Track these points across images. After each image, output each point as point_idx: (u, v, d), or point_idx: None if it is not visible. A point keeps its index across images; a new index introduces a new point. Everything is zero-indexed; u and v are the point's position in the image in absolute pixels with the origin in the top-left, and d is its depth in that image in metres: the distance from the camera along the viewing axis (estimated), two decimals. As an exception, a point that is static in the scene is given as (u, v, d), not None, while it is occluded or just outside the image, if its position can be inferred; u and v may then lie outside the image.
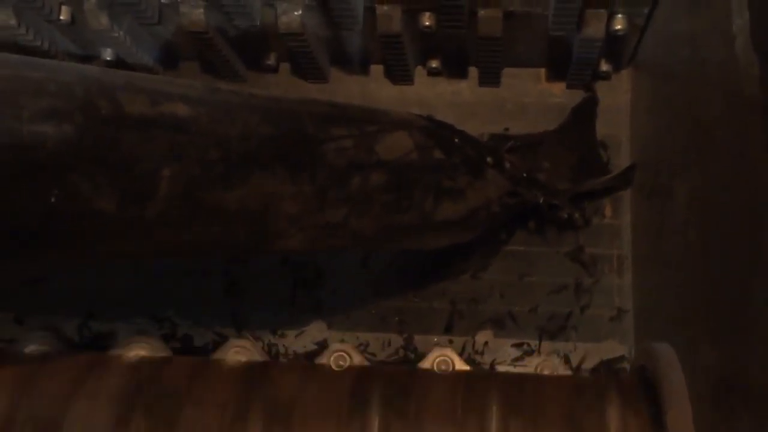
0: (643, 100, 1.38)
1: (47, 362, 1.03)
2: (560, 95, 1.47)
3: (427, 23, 1.33)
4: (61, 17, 1.36)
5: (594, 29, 1.30)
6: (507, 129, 1.46)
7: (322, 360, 1.05)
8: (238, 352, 1.05)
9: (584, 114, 1.45)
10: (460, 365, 1.04)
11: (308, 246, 1.06)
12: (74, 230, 0.82)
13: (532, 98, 1.48)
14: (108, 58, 1.44)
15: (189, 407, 0.96)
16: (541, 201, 1.35)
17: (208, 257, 1.40)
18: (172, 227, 0.89)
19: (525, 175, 1.34)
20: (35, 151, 0.74)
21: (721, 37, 0.90)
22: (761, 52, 0.81)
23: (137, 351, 1.06)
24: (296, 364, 1.08)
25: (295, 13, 1.32)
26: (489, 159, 1.26)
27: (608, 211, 1.42)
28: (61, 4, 1.36)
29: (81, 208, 0.79)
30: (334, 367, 1.03)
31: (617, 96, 1.46)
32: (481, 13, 1.31)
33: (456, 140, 1.22)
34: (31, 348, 1.07)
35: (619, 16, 1.29)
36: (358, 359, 1.05)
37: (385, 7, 1.32)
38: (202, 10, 1.33)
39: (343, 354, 1.05)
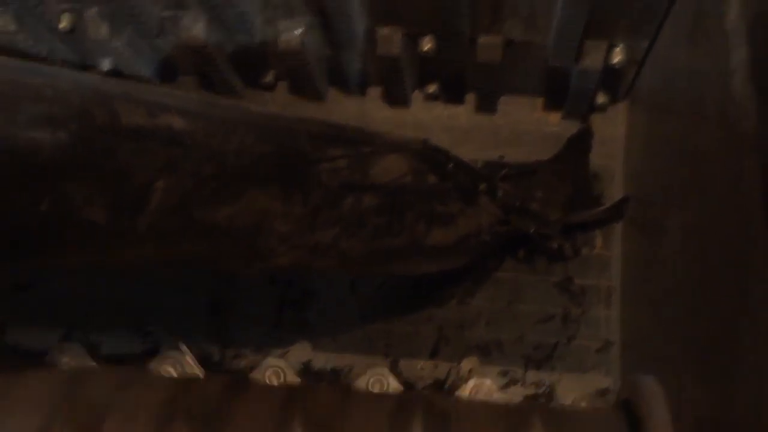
0: (639, 133, 1.38)
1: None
2: (556, 124, 1.48)
3: (427, 47, 1.33)
4: (62, 25, 1.36)
5: (592, 60, 1.31)
6: (502, 156, 1.46)
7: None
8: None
9: (579, 145, 1.45)
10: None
11: (297, 265, 1.05)
12: (64, 238, 0.81)
13: (528, 126, 1.48)
14: (106, 69, 1.44)
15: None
16: (532, 230, 1.34)
17: (197, 270, 1.40)
18: (162, 240, 0.89)
19: (517, 203, 1.34)
20: (29, 156, 0.73)
21: (719, 72, 0.90)
22: (759, 87, 0.81)
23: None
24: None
25: (296, 32, 1.33)
26: (482, 186, 1.26)
27: (599, 243, 1.42)
28: (62, 11, 1.36)
29: (72, 217, 0.78)
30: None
31: (613, 127, 1.46)
32: (482, 39, 1.31)
33: (450, 166, 1.22)
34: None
35: (618, 48, 1.30)
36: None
37: (386, 30, 1.32)
38: (202, 25, 1.33)
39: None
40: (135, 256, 0.91)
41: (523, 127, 1.48)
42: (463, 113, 1.50)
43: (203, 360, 1.36)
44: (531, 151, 1.47)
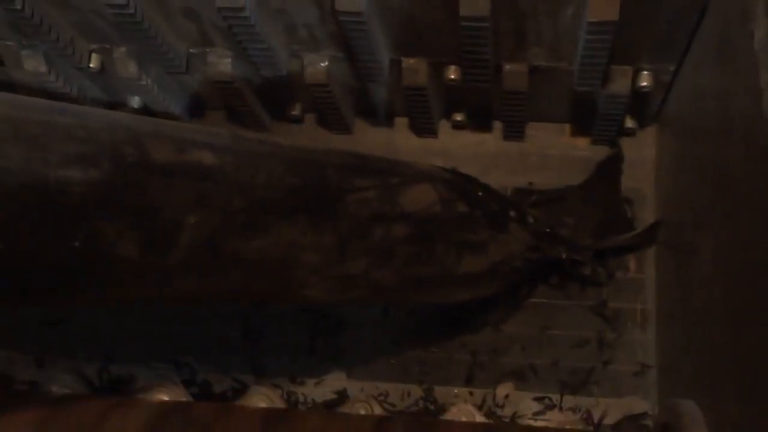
0: (669, 155, 1.37)
1: (71, 401, 1.03)
2: (585, 148, 1.48)
3: (453, 77, 1.34)
4: (91, 65, 1.37)
5: (619, 85, 1.30)
6: (531, 183, 1.46)
7: (344, 410, 1.04)
8: (261, 399, 1.05)
9: (609, 170, 1.44)
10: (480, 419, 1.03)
11: (328, 296, 1.06)
12: (96, 274, 0.82)
13: (556, 150, 1.48)
14: (135, 106, 1.46)
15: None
16: (563, 256, 1.34)
17: (229, 304, 1.40)
18: (193, 275, 0.89)
19: (548, 230, 1.33)
20: (61, 195, 0.74)
21: (748, 92, 0.89)
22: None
23: (159, 395, 1.05)
24: (317, 411, 1.07)
25: (322, 64, 1.34)
26: (512, 213, 1.26)
27: (632, 266, 1.41)
28: (91, 52, 1.37)
29: (104, 253, 0.79)
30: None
31: (642, 151, 1.45)
32: (507, 67, 1.31)
33: (480, 194, 1.22)
34: (55, 388, 1.07)
35: (645, 72, 1.29)
36: (378, 411, 1.04)
37: (411, 61, 1.32)
38: (229, 60, 1.35)
39: (365, 404, 1.04)
40: (167, 291, 0.91)
41: (551, 152, 1.48)
42: (491, 140, 1.50)
43: (238, 391, 1.37)
44: (560, 175, 1.47)
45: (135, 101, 1.46)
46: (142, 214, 0.81)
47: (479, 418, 1.04)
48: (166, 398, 1.06)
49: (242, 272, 0.93)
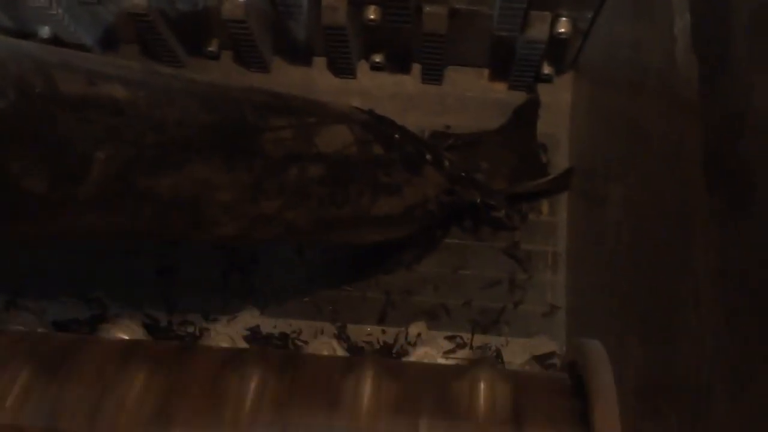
0: (583, 103, 1.39)
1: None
2: (502, 92, 1.49)
3: (372, 16, 1.33)
4: (-1, -8, 1.33)
5: (537, 31, 1.31)
6: (448, 127, 1.46)
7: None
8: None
9: (526, 115, 1.46)
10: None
11: (241, 235, 1.05)
12: (2, 209, 0.80)
13: (474, 93, 1.49)
14: (45, 36, 1.42)
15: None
16: (477, 201, 1.35)
17: (140, 240, 1.38)
18: (103, 210, 0.87)
19: (463, 174, 1.34)
20: None
21: (662, 41, 0.91)
22: (701, 54, 0.82)
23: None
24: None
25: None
26: (428, 156, 1.26)
27: (545, 209, 1.43)
28: (-1, -22, 1.33)
29: (10, 187, 0.77)
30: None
31: (558, 96, 1.47)
32: (427, 9, 1.31)
33: (396, 136, 1.22)
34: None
35: (563, 19, 1.30)
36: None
37: (331, -1, 1.31)
38: (144, -8, 1.32)
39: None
40: (76, 227, 0.89)
41: (469, 95, 1.49)
42: (410, 82, 1.50)
43: (149, 326, 1.36)
44: (477, 117, 1.48)
45: (45, 31, 1.42)
46: (50, 147, 0.78)
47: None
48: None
49: (154, 209, 0.91)
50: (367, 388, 0.92)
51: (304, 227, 1.10)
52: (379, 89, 1.51)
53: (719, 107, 0.77)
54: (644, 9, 1.02)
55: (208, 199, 0.95)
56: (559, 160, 1.45)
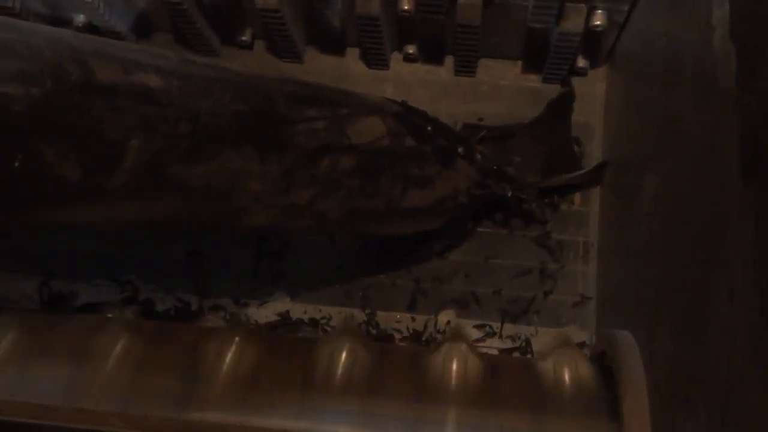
0: (618, 94, 1.38)
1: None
2: (536, 81, 1.48)
3: (406, 7, 1.32)
4: (35, -21, 1.34)
5: (573, 23, 1.30)
6: (481, 119, 1.46)
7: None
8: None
9: (560, 108, 1.45)
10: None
11: (271, 224, 1.05)
12: (36, 195, 0.80)
13: (507, 81, 1.49)
14: (80, 24, 1.42)
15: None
16: (509, 194, 1.34)
17: (171, 230, 1.39)
18: (135, 199, 0.88)
19: (495, 167, 1.33)
20: (1, 113, 0.72)
21: (699, 30, 0.90)
22: (739, 44, 0.81)
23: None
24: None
25: (274, -12, 1.31)
26: (460, 149, 1.25)
27: (577, 199, 1.43)
28: (35, -35, 1.34)
29: (44, 174, 0.77)
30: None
31: (593, 86, 1.46)
32: (461, 0, 1.30)
33: (428, 128, 1.21)
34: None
35: (599, 11, 1.29)
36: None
37: (365, -11, 1.31)
38: (179, -20, 1.32)
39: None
40: (108, 215, 0.90)
41: (502, 83, 1.49)
42: (443, 73, 1.50)
43: (180, 310, 1.36)
44: (511, 106, 1.47)
45: (80, 19, 1.42)
46: (84, 135, 0.79)
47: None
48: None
49: (185, 198, 0.92)
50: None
51: (334, 218, 1.10)
52: (412, 76, 1.50)
53: (756, 97, 0.76)
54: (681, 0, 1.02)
55: (240, 189, 0.95)
56: (593, 150, 1.45)
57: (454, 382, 0.95)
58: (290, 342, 1.09)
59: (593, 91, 1.46)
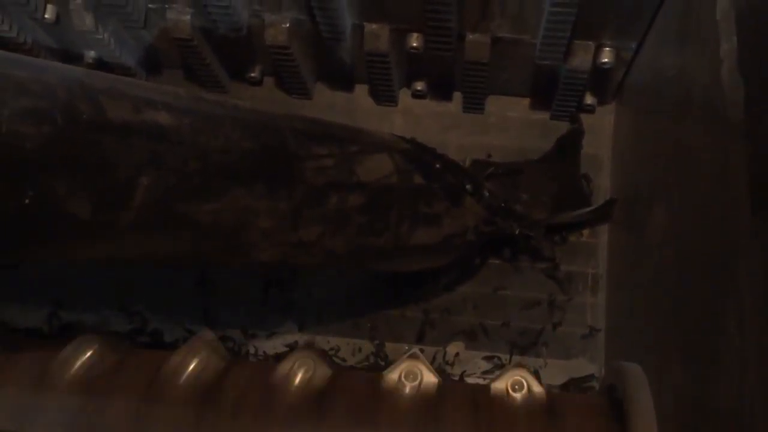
0: (626, 125, 1.38)
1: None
2: (544, 117, 1.49)
3: (415, 44, 1.33)
4: (46, 16, 1.35)
5: (581, 60, 1.31)
6: (489, 155, 1.46)
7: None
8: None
9: (569, 145, 1.45)
10: (429, 377, 1.00)
11: (279, 261, 1.05)
12: (46, 232, 0.81)
13: (516, 113, 1.49)
14: (91, 60, 1.43)
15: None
16: (516, 232, 1.34)
17: (180, 266, 1.39)
18: (144, 235, 0.88)
19: (503, 204, 1.33)
20: (13, 150, 0.72)
21: (707, 62, 0.91)
22: (747, 76, 0.81)
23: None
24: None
25: (283, 25, 1.32)
26: (468, 186, 1.25)
27: (586, 231, 1.43)
28: (46, 2, 1.35)
29: (55, 211, 0.77)
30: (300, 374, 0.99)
31: (601, 118, 1.47)
32: (470, 37, 1.31)
33: (437, 166, 1.22)
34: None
35: (607, 49, 1.30)
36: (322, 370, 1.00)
37: (374, 26, 1.32)
38: (188, 17, 1.33)
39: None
40: (117, 251, 0.90)
41: (511, 114, 1.49)
42: (452, 109, 1.50)
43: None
44: (520, 138, 1.48)
45: (90, 54, 1.44)
46: (94, 172, 0.79)
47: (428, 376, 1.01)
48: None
49: (194, 235, 0.92)
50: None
51: (342, 255, 1.10)
52: (421, 108, 1.51)
53: (765, 128, 0.77)
54: (689, 33, 1.02)
55: (249, 226, 0.96)
56: (602, 182, 1.45)
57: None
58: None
59: (602, 123, 1.47)
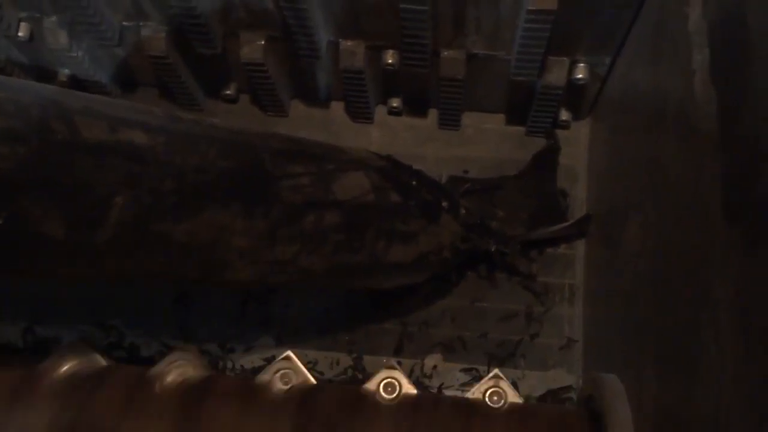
0: (602, 137, 1.39)
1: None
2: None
3: (390, 61, 1.33)
4: (20, 34, 1.34)
5: (555, 76, 1.31)
6: (466, 171, 1.46)
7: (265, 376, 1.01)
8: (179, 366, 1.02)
9: (545, 161, 1.45)
10: (408, 388, 1.00)
11: (256, 280, 1.04)
12: (21, 252, 0.80)
13: (492, 124, 1.50)
14: (65, 78, 1.43)
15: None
16: (492, 249, 1.34)
17: (156, 285, 1.38)
18: (119, 255, 0.87)
19: (478, 221, 1.33)
20: None
21: (681, 75, 0.91)
22: (719, 87, 0.82)
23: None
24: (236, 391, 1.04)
25: (258, 42, 1.32)
26: (444, 203, 1.25)
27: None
28: (20, 20, 1.34)
29: (29, 231, 0.77)
30: (279, 384, 1.00)
31: (577, 130, 1.48)
32: (445, 53, 1.31)
33: (413, 183, 1.22)
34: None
35: (582, 65, 1.30)
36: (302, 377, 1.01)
37: (349, 43, 1.32)
38: (163, 35, 1.32)
39: (288, 372, 1.01)
40: (91, 270, 0.89)
41: (487, 126, 1.50)
42: (428, 126, 1.51)
43: (166, 355, 1.36)
44: (496, 149, 1.49)
45: (65, 72, 1.43)
46: (69, 193, 0.79)
47: (406, 387, 1.02)
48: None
49: (170, 254, 0.91)
50: None
51: (318, 273, 1.10)
52: (397, 121, 1.52)
53: (738, 140, 0.77)
54: (663, 47, 1.03)
55: (224, 245, 0.95)
56: (578, 193, 1.46)
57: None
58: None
59: (577, 135, 1.48)
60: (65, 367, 0.99)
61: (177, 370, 1.00)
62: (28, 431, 0.92)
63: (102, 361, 1.04)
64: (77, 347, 1.03)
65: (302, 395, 0.98)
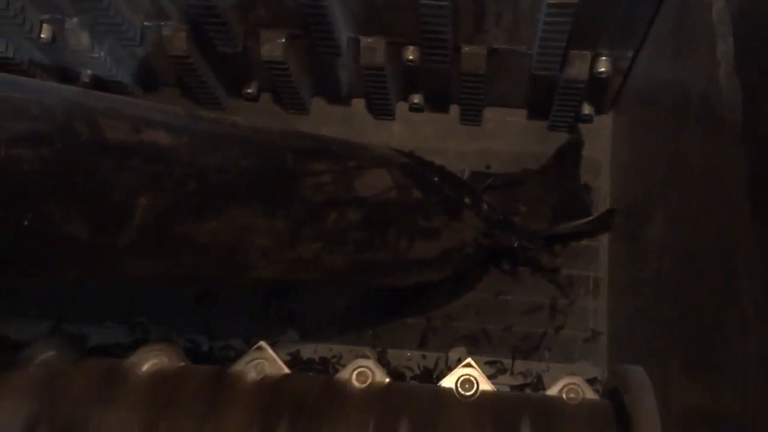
0: (625, 130, 1.39)
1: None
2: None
3: (411, 57, 1.33)
4: (42, 35, 1.35)
5: (577, 70, 1.31)
6: (488, 167, 1.46)
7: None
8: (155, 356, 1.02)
9: (568, 155, 1.45)
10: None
11: (278, 278, 1.04)
12: (45, 254, 0.81)
13: (514, 119, 1.50)
14: (87, 79, 1.43)
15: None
16: (515, 244, 1.34)
17: (179, 286, 1.39)
18: (143, 256, 0.88)
19: (501, 217, 1.33)
20: (11, 174, 0.72)
21: (704, 66, 0.90)
22: (744, 77, 0.81)
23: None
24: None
25: (279, 40, 1.32)
26: (467, 200, 1.25)
27: (586, 234, 1.43)
28: (42, 22, 1.34)
29: (53, 233, 0.77)
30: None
31: (600, 122, 1.47)
32: (465, 49, 1.31)
33: (435, 179, 1.21)
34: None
35: (604, 58, 1.29)
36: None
37: (370, 40, 1.32)
38: (184, 34, 1.33)
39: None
40: (116, 272, 0.89)
41: (509, 120, 1.50)
42: (449, 121, 1.51)
43: (191, 351, 1.37)
44: (519, 143, 1.48)
45: (87, 73, 1.43)
46: (92, 194, 0.79)
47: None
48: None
49: (192, 254, 0.92)
50: None
51: (341, 271, 1.10)
52: (419, 117, 1.51)
53: (763, 130, 0.76)
54: (686, 38, 1.02)
55: (247, 245, 0.95)
56: (602, 185, 1.45)
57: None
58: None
59: (600, 128, 1.47)
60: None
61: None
62: None
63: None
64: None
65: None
